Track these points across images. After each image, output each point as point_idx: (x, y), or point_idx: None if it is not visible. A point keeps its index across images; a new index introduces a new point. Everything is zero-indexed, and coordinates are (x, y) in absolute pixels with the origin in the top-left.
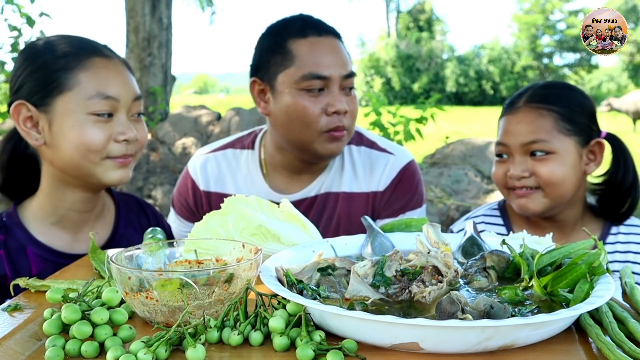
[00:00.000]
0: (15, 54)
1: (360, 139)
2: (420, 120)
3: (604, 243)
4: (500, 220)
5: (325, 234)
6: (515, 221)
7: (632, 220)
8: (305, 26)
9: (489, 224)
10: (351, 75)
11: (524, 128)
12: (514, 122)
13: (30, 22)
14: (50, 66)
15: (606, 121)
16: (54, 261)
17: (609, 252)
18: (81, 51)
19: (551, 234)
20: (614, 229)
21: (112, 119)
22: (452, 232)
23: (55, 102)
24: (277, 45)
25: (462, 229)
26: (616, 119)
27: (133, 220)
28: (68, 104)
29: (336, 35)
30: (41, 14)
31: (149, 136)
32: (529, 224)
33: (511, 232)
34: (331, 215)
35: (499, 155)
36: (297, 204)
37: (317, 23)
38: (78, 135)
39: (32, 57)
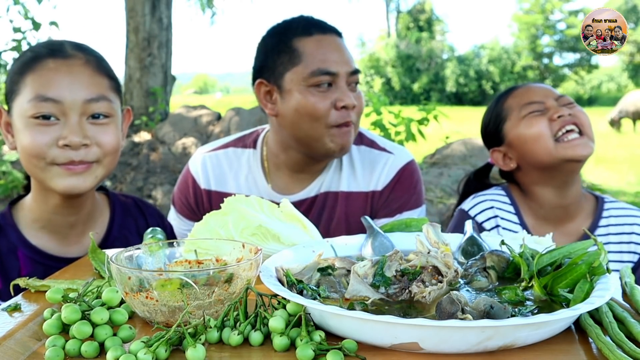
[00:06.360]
0: (16, 53)
1: (360, 139)
2: (422, 121)
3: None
4: (512, 209)
5: (325, 233)
6: (521, 205)
7: (620, 203)
8: (309, 25)
9: (499, 209)
10: (356, 72)
11: None
12: None
13: (36, 25)
14: (13, 70)
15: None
16: (45, 264)
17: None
18: (36, 54)
19: (551, 234)
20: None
21: (57, 122)
22: (463, 211)
23: (13, 106)
24: (282, 45)
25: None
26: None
27: (129, 223)
28: (17, 108)
29: (338, 34)
30: (51, 23)
31: (149, 136)
32: (536, 206)
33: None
34: (331, 214)
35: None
36: (297, 205)
37: (320, 22)
38: (21, 140)
39: (13, 61)
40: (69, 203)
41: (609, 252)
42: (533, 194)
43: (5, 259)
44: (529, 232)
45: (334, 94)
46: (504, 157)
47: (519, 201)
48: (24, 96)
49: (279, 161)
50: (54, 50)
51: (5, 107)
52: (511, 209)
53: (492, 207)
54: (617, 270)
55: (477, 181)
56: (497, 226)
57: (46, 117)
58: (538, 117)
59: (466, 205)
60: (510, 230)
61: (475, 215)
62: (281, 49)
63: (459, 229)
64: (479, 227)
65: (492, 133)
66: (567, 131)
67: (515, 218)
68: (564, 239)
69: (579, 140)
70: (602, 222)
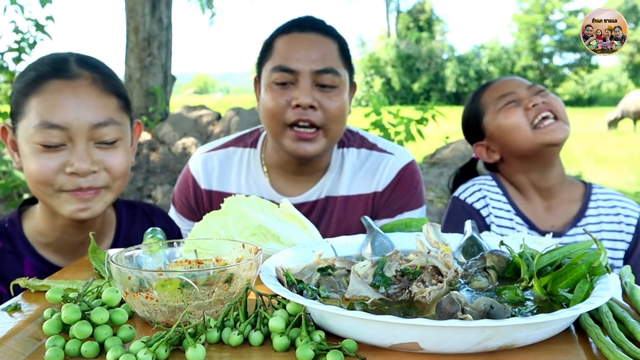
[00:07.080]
0: (17, 54)
1: (362, 142)
2: (421, 121)
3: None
4: (499, 191)
5: (325, 237)
6: (509, 189)
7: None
8: (293, 24)
9: (488, 191)
10: (328, 71)
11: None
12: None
13: (39, 27)
14: (17, 90)
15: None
16: (50, 274)
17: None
18: (40, 74)
19: (551, 234)
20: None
21: (64, 148)
22: (455, 197)
23: (19, 127)
24: (267, 43)
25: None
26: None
27: (136, 231)
28: (24, 131)
29: (327, 33)
30: (48, 18)
31: (149, 136)
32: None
33: (509, 198)
34: (330, 219)
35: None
36: (297, 207)
37: (307, 22)
38: (27, 166)
39: (16, 77)
40: (78, 224)
41: (603, 240)
42: (517, 181)
43: (9, 266)
44: (518, 212)
45: (293, 92)
46: (487, 150)
47: (507, 186)
48: (29, 120)
49: (273, 162)
50: (58, 69)
51: (7, 125)
52: (499, 190)
53: (480, 190)
54: (612, 259)
55: (465, 176)
56: (487, 205)
57: (52, 145)
58: (514, 108)
59: (457, 192)
60: (500, 209)
61: (466, 198)
62: (266, 47)
63: (452, 216)
64: (471, 209)
65: (473, 128)
66: (543, 118)
67: (504, 198)
68: (555, 219)
69: (555, 125)
70: (591, 204)
